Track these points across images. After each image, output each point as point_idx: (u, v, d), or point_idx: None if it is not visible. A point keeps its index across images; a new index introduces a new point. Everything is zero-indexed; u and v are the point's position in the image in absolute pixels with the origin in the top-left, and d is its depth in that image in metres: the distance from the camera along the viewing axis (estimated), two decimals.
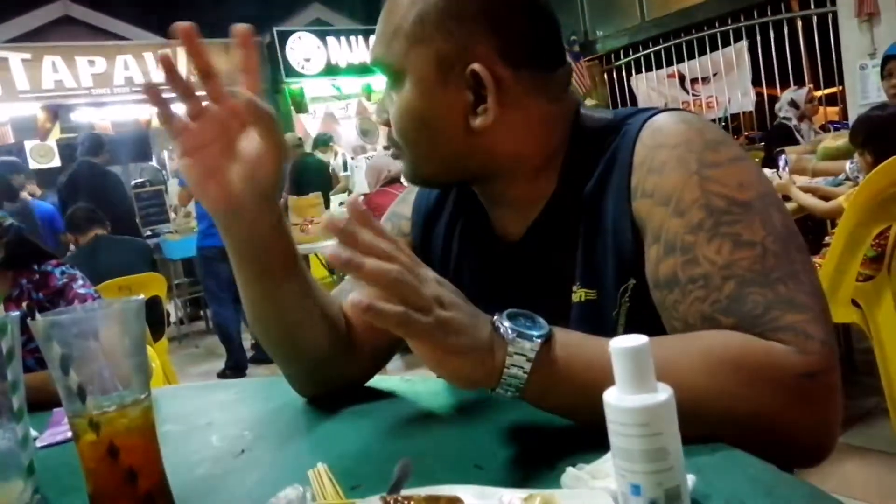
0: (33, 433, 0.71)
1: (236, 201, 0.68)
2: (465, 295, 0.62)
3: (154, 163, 8.45)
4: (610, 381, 0.44)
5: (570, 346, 0.60)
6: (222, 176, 0.68)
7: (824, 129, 5.21)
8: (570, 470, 0.51)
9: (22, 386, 0.59)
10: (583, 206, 0.74)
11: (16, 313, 0.59)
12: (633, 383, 0.41)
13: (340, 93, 8.85)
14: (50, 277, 1.28)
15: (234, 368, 4.33)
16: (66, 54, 7.17)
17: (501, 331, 0.58)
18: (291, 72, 8.31)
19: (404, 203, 0.95)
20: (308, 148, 6.25)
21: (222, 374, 4.32)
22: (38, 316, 0.52)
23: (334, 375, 0.83)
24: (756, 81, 6.55)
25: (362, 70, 8.61)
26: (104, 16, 8.00)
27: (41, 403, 0.88)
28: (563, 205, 0.76)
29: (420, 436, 0.70)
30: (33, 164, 7.18)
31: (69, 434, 0.55)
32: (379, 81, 7.97)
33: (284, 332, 0.79)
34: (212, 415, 0.88)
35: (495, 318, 0.60)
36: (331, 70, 8.63)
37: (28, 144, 7.22)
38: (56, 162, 7.26)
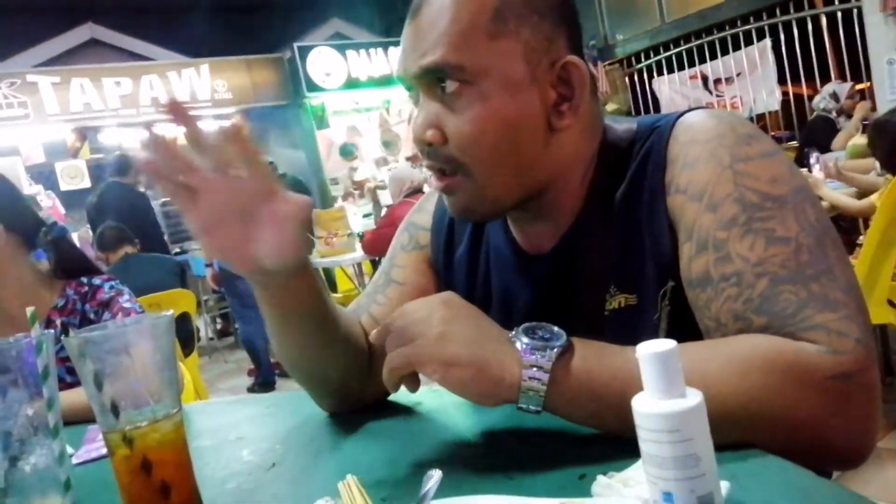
0: (69, 450, 0.72)
1: (262, 271, 0.65)
2: (496, 310, 0.64)
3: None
4: (634, 389, 0.43)
5: (590, 356, 0.59)
6: (245, 252, 0.62)
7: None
8: (600, 478, 0.50)
9: (58, 403, 0.61)
10: (616, 211, 0.72)
11: (50, 331, 0.60)
12: (662, 389, 0.41)
13: (361, 106, 8.93)
14: (98, 291, 1.31)
15: (263, 384, 4.37)
16: (93, 76, 7.34)
17: (517, 345, 0.59)
18: (312, 86, 8.40)
19: (422, 213, 0.92)
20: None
21: (251, 389, 4.36)
22: (70, 333, 0.54)
23: (357, 395, 0.83)
24: (781, 80, 6.45)
25: (382, 83, 8.68)
26: (129, 37, 8.18)
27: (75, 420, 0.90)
28: (594, 213, 0.74)
29: (449, 446, 0.70)
30: (64, 186, 7.35)
31: (104, 451, 0.56)
32: (399, 94, 8.01)
33: (309, 363, 0.79)
34: (242, 429, 0.89)
35: (512, 332, 0.61)
36: (351, 83, 8.70)
37: (59, 166, 7.40)
38: (86, 183, 7.42)
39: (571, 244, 0.75)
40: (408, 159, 6.99)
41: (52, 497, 0.59)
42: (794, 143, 5.62)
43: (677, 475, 0.40)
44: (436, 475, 0.53)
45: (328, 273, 5.35)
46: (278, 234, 0.62)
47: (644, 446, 0.42)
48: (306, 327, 0.74)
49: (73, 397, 0.92)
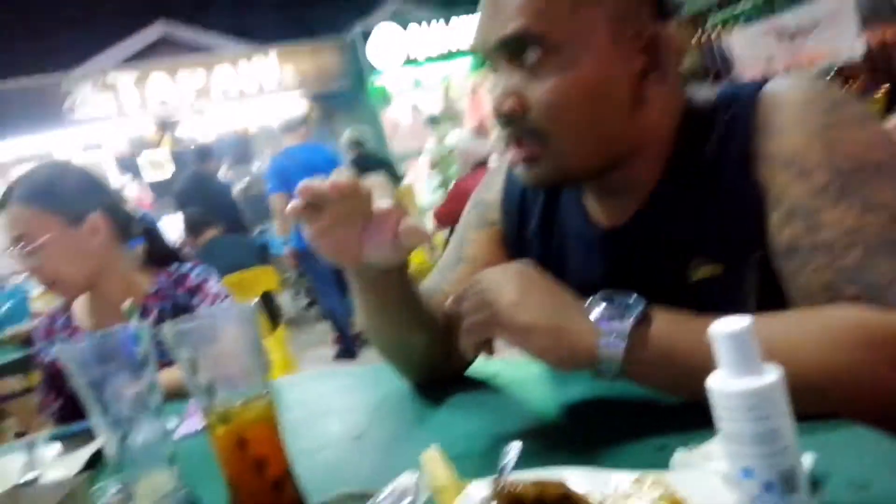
0: (172, 424, 0.78)
1: (366, 267, 0.71)
2: (571, 285, 0.64)
3: (255, 167, 8.88)
4: (714, 361, 0.43)
5: (671, 325, 0.59)
6: (353, 252, 0.69)
7: None
8: (679, 451, 0.50)
9: (158, 386, 0.65)
10: (699, 181, 0.70)
11: (146, 323, 0.65)
12: (737, 367, 0.40)
13: (421, 84, 8.93)
14: (187, 277, 1.39)
15: (346, 353, 4.52)
16: (169, 70, 7.66)
17: (594, 312, 0.59)
18: (374, 67, 8.48)
19: (490, 190, 0.92)
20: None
21: (336, 357, 4.52)
22: (166, 325, 0.58)
23: (438, 368, 0.86)
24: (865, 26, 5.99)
25: (444, 58, 8.65)
26: (199, 30, 8.45)
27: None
28: (675, 183, 0.72)
29: (526, 418, 0.71)
30: (148, 177, 7.74)
31: (202, 424, 0.60)
32: (460, 68, 7.95)
33: (398, 344, 0.84)
34: (330, 402, 0.93)
35: (589, 300, 0.61)
36: (412, 62, 8.72)
37: (142, 158, 7.79)
38: (169, 172, 7.79)
39: (651, 216, 0.74)
40: (472, 133, 6.95)
41: (159, 470, 0.64)
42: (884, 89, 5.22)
43: (756, 451, 0.39)
44: (515, 447, 0.55)
45: None
46: (380, 236, 0.67)
47: (721, 423, 0.42)
48: (398, 314, 0.79)
49: (174, 375, 0.98)
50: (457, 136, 6.61)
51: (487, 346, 0.67)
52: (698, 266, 0.70)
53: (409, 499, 0.53)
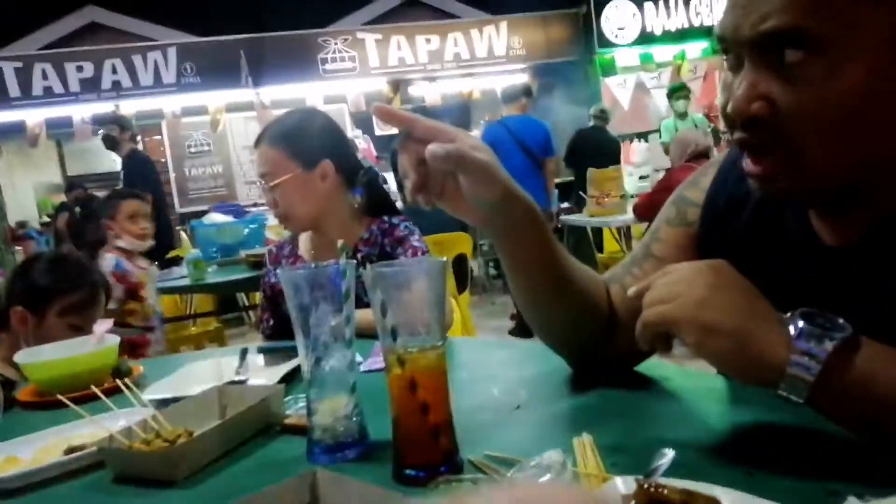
0: (358, 358, 0.87)
1: (483, 217, 0.76)
2: (778, 296, 0.60)
3: (474, 131, 9.20)
4: None
5: (879, 358, 0.54)
6: (460, 202, 0.75)
7: None
8: (852, 500, 0.46)
9: (353, 320, 0.74)
10: None
11: (352, 261, 0.73)
12: None
13: (652, 61, 8.52)
14: (395, 229, 1.52)
15: (522, 329, 4.60)
16: (408, 34, 8.16)
17: (790, 327, 0.55)
18: (604, 41, 8.26)
19: (695, 188, 0.86)
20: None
21: (512, 332, 4.62)
22: (367, 266, 0.65)
23: (594, 355, 0.86)
24: None
25: (678, 37, 8.18)
26: None
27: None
28: None
29: (689, 427, 0.69)
30: (378, 132, 8.39)
31: (383, 364, 0.67)
32: (693, 49, 7.39)
33: (539, 315, 0.85)
34: (495, 369, 0.98)
35: (789, 314, 0.57)
36: (644, 39, 8.35)
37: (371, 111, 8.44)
38: (395, 130, 8.36)
39: (885, 238, 0.66)
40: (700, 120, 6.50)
41: (341, 394, 0.73)
42: None
43: None
44: (669, 454, 0.54)
45: (597, 232, 5.33)
46: (471, 181, 0.71)
47: None
48: (536, 278, 0.80)
49: (367, 316, 1.09)
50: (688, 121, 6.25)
51: (664, 343, 0.64)
52: None
53: (552, 474, 0.55)
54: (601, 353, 0.86)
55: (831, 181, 0.63)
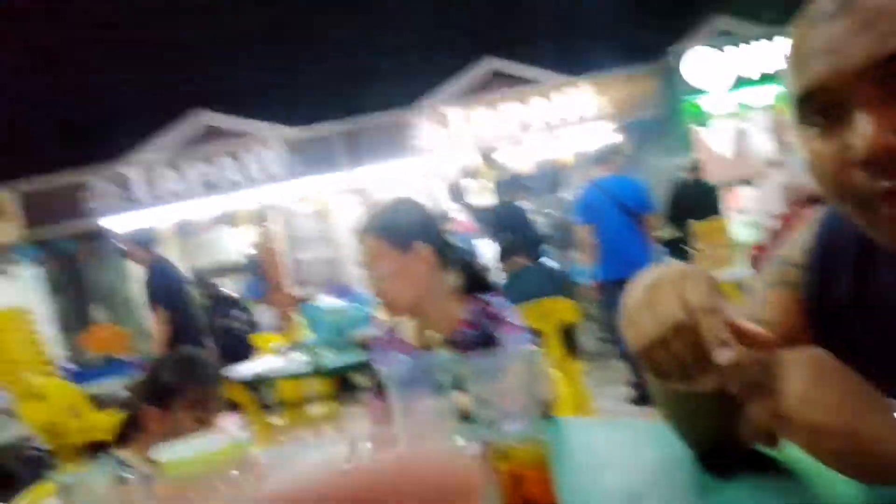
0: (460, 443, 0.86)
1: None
2: (889, 370, 0.55)
3: (564, 196, 9.17)
4: None
5: None
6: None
7: None
8: None
9: (453, 410, 0.74)
10: None
11: (447, 356, 0.74)
12: None
13: (744, 107, 8.25)
14: (491, 306, 1.53)
15: (641, 399, 4.37)
16: (489, 104, 8.44)
17: None
18: (690, 88, 8.14)
19: (794, 247, 0.81)
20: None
21: (633, 401, 4.40)
22: (457, 361, 0.66)
23: (718, 441, 0.80)
24: None
25: (770, 79, 7.89)
26: (520, 65, 9.08)
27: None
28: None
29: None
30: (473, 201, 8.57)
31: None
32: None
33: (681, 424, 0.82)
34: (612, 453, 0.93)
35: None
36: (737, 84, 8.13)
37: (467, 184, 8.64)
38: (490, 199, 8.51)
39: None
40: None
41: None
42: None
43: None
44: None
45: None
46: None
47: None
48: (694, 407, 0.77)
49: (464, 400, 1.09)
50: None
51: (771, 440, 0.59)
52: None
53: None
54: (730, 439, 0.80)
55: None
